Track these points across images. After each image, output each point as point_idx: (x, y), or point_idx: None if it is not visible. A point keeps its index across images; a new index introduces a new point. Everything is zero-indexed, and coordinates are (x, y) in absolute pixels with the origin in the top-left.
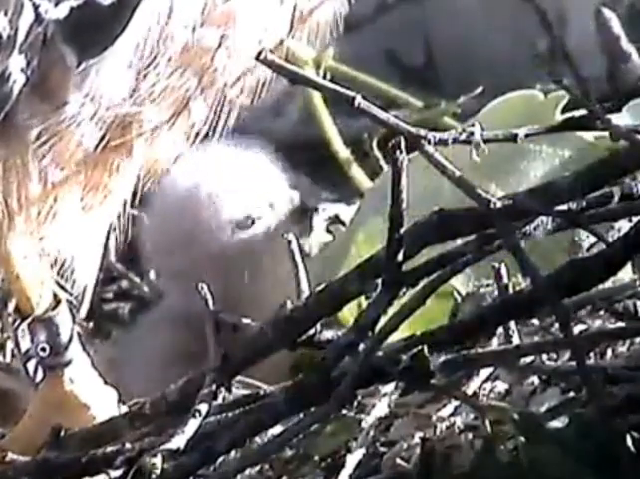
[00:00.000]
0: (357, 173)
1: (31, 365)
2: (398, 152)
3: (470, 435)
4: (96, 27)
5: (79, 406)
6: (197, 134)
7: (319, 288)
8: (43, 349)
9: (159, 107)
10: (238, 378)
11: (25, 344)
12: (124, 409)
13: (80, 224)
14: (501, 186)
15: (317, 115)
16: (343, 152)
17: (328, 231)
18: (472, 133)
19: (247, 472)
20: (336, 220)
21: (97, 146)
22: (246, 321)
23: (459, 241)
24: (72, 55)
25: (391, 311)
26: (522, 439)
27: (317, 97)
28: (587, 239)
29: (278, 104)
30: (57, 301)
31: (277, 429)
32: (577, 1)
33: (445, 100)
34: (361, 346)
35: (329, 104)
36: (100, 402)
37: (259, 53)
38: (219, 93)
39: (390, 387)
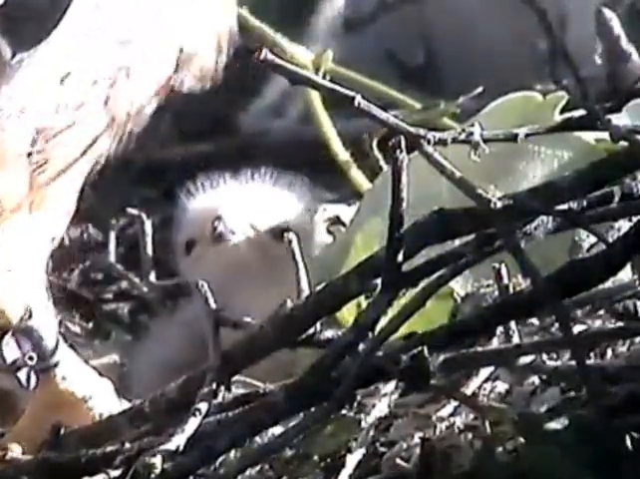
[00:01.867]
0: (357, 176)
1: (22, 374)
2: (398, 151)
3: (470, 435)
4: (31, 17)
5: (75, 402)
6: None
7: (319, 287)
8: (30, 358)
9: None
10: (237, 378)
11: (12, 355)
12: (124, 402)
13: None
14: (500, 187)
15: (317, 118)
16: (343, 155)
17: (329, 232)
18: (471, 133)
19: (247, 472)
20: (337, 221)
21: (29, 154)
22: (246, 320)
23: (459, 241)
24: (6, 46)
25: (391, 311)
26: (522, 440)
27: (317, 100)
28: (587, 238)
29: (278, 104)
30: (31, 310)
31: (277, 429)
32: (577, 1)
33: (445, 100)
34: (361, 346)
35: (328, 106)
36: (96, 395)
37: (258, 54)
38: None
39: (390, 387)
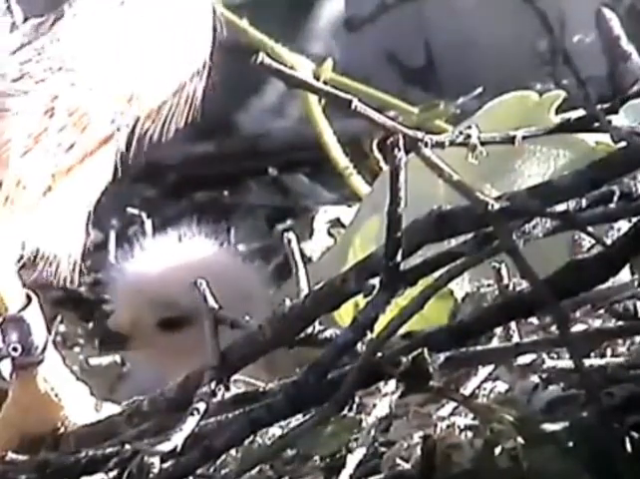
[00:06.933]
0: (357, 182)
1: (4, 365)
2: (396, 150)
3: (470, 434)
4: None
5: (52, 406)
6: None
7: (317, 286)
8: (15, 349)
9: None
10: (235, 378)
11: None
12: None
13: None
14: (497, 185)
15: (316, 124)
16: (343, 161)
17: (329, 234)
18: (469, 136)
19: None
20: (337, 223)
21: None
22: (244, 319)
23: (459, 240)
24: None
25: (389, 311)
26: (521, 440)
27: (316, 106)
28: (587, 237)
29: (278, 104)
30: (29, 300)
31: (277, 430)
32: (577, 1)
33: (445, 100)
34: (360, 346)
35: (327, 106)
36: (73, 403)
37: (256, 56)
38: None
39: (391, 387)
